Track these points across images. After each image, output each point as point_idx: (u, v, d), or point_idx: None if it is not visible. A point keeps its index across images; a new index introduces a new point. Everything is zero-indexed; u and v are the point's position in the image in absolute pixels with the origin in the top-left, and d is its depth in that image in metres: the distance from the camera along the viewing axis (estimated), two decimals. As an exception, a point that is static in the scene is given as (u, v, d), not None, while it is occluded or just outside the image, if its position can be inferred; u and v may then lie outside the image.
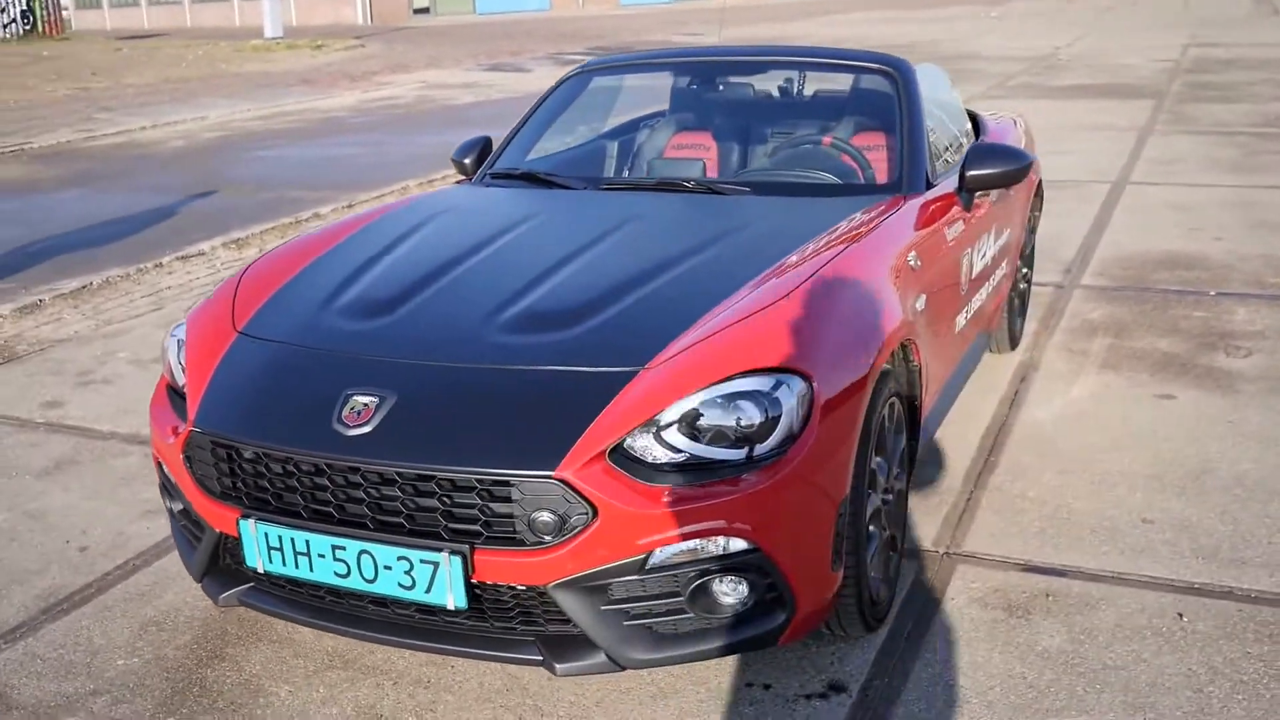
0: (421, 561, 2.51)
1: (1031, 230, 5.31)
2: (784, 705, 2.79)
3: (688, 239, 3.28)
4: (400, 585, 2.55)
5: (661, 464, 2.53)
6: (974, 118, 5.00)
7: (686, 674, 2.90)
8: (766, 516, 2.54)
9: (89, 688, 2.90)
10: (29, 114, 15.37)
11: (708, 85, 4.45)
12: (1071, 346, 5.30)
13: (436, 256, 3.29)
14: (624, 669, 2.58)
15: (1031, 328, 5.55)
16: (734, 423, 2.56)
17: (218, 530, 2.79)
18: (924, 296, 3.35)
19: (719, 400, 2.56)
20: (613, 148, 4.40)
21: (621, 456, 2.52)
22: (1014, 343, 5.14)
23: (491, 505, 2.49)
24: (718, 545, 2.52)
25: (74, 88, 18.33)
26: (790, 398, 2.60)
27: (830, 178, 3.88)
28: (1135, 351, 5.19)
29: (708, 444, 2.55)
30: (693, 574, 2.53)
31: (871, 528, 2.99)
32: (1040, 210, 5.51)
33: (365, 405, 2.63)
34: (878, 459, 3.01)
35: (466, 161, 4.37)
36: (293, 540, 2.62)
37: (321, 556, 2.60)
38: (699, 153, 4.22)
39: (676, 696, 2.83)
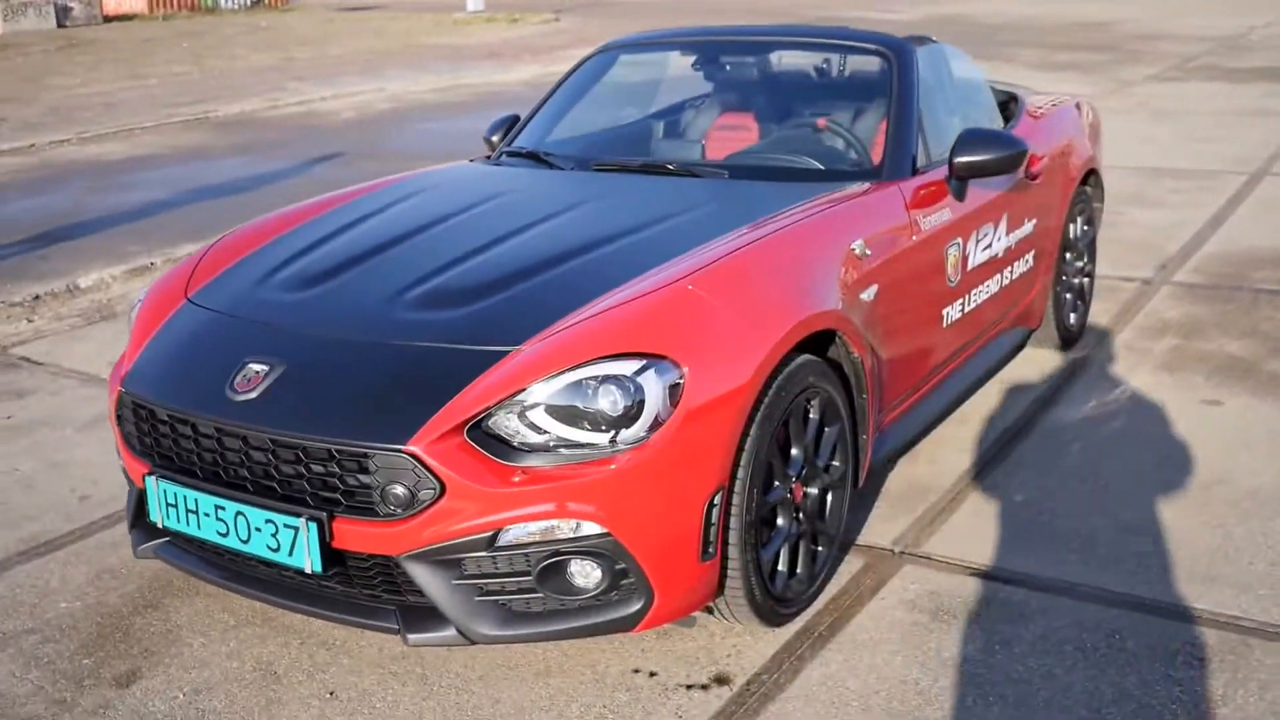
0: (285, 525, 2.60)
1: (1088, 221, 4.99)
2: (660, 694, 2.75)
3: (631, 220, 3.25)
4: (269, 547, 2.65)
5: (525, 444, 2.54)
6: (1015, 101, 4.73)
7: (577, 654, 2.90)
8: (621, 502, 2.52)
9: (26, 626, 3.11)
10: (226, 83, 16.25)
11: (712, 66, 4.36)
12: (1134, 345, 4.97)
13: (389, 232, 3.35)
14: (474, 643, 2.60)
15: (1100, 323, 5.24)
16: (600, 405, 2.54)
17: (138, 485, 2.96)
18: (875, 287, 3.22)
19: (584, 383, 2.55)
20: (624, 127, 4.37)
21: (483, 434, 2.54)
22: (1065, 338, 4.86)
23: (352, 476, 2.56)
24: (569, 527, 2.52)
25: (278, 58, 19.30)
26: (656, 384, 2.56)
27: (811, 162, 3.75)
28: (1200, 353, 4.83)
29: (575, 426, 2.55)
30: (543, 554, 2.53)
31: (780, 521, 2.92)
32: (1101, 201, 5.18)
33: (256, 373, 2.73)
34: (794, 451, 2.93)
35: (494, 139, 4.44)
36: (184, 498, 2.76)
37: (206, 515, 2.73)
38: (695, 134, 4.16)
39: (560, 676, 2.83)
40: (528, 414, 2.55)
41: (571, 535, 2.52)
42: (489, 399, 2.53)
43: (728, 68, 4.32)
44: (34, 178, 9.74)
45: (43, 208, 8.39)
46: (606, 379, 2.55)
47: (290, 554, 2.62)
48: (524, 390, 2.54)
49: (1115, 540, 3.37)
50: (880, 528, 3.50)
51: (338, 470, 2.56)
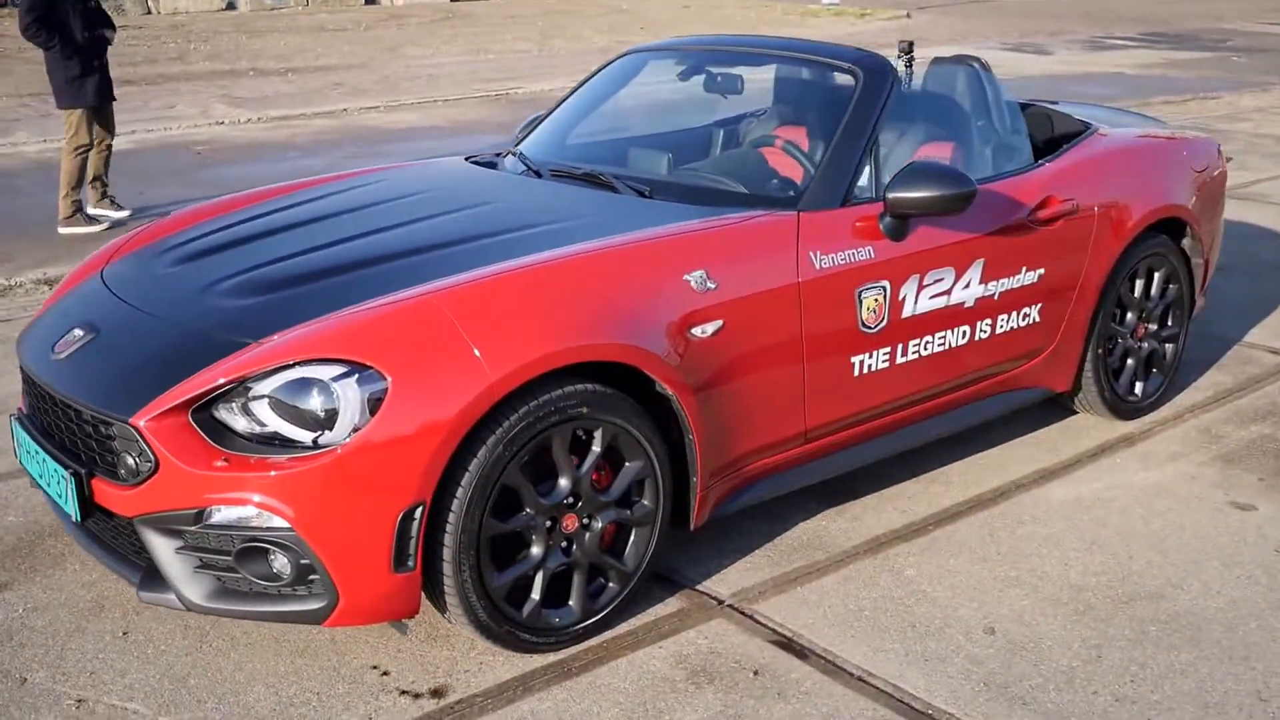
0: (60, 476, 2.89)
1: (1170, 279, 4.39)
2: (374, 692, 2.82)
3: (493, 227, 3.30)
4: (58, 492, 2.95)
5: (243, 432, 2.69)
6: (1083, 133, 4.25)
7: (345, 640, 3.01)
8: (306, 501, 2.61)
9: (-33, 533, 3.62)
10: (551, 62, 17.04)
11: (704, 78, 4.21)
12: (1212, 427, 4.35)
13: (290, 219, 3.56)
14: (189, 609, 2.78)
15: (1196, 398, 4.62)
16: (310, 406, 2.65)
17: None
18: (718, 323, 3.08)
19: (292, 383, 2.67)
20: (612, 135, 4.33)
21: (209, 418, 2.71)
22: (1117, 408, 4.33)
23: (104, 440, 2.81)
24: (261, 518, 2.64)
25: (614, 40, 20.02)
26: (355, 392, 2.63)
27: (734, 184, 3.60)
28: (1280, 449, 4.16)
29: (292, 423, 2.67)
30: (240, 539, 2.67)
31: (534, 549, 2.89)
32: (1201, 257, 4.52)
33: (75, 337, 3.04)
34: (561, 481, 2.89)
35: (521, 136, 4.55)
36: (23, 440, 3.12)
37: (30, 457, 3.08)
38: (666, 147, 4.05)
39: (309, 657, 2.96)
40: (251, 405, 2.69)
41: (263, 525, 2.64)
42: (206, 385, 2.69)
43: (719, 80, 4.19)
44: (322, 140, 10.81)
45: (302, 169, 9.29)
46: (311, 381, 2.65)
47: (65, 501, 2.90)
48: (242, 382, 2.68)
49: (964, 638, 3.04)
50: (736, 576, 3.35)
51: (94, 433, 2.82)
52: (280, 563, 2.69)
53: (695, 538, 3.49)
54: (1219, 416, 4.47)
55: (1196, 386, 4.76)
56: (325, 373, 2.65)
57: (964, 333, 3.72)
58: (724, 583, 3.32)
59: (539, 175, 3.88)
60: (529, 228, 3.28)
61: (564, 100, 4.46)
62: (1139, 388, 4.43)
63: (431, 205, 3.55)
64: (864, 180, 3.53)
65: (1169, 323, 4.51)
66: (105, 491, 2.82)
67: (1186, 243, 4.48)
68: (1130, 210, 4.16)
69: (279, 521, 2.63)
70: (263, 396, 2.69)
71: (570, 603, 2.98)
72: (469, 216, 3.43)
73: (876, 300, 3.43)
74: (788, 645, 3.02)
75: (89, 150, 7.34)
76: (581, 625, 3.00)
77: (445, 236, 3.24)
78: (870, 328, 3.44)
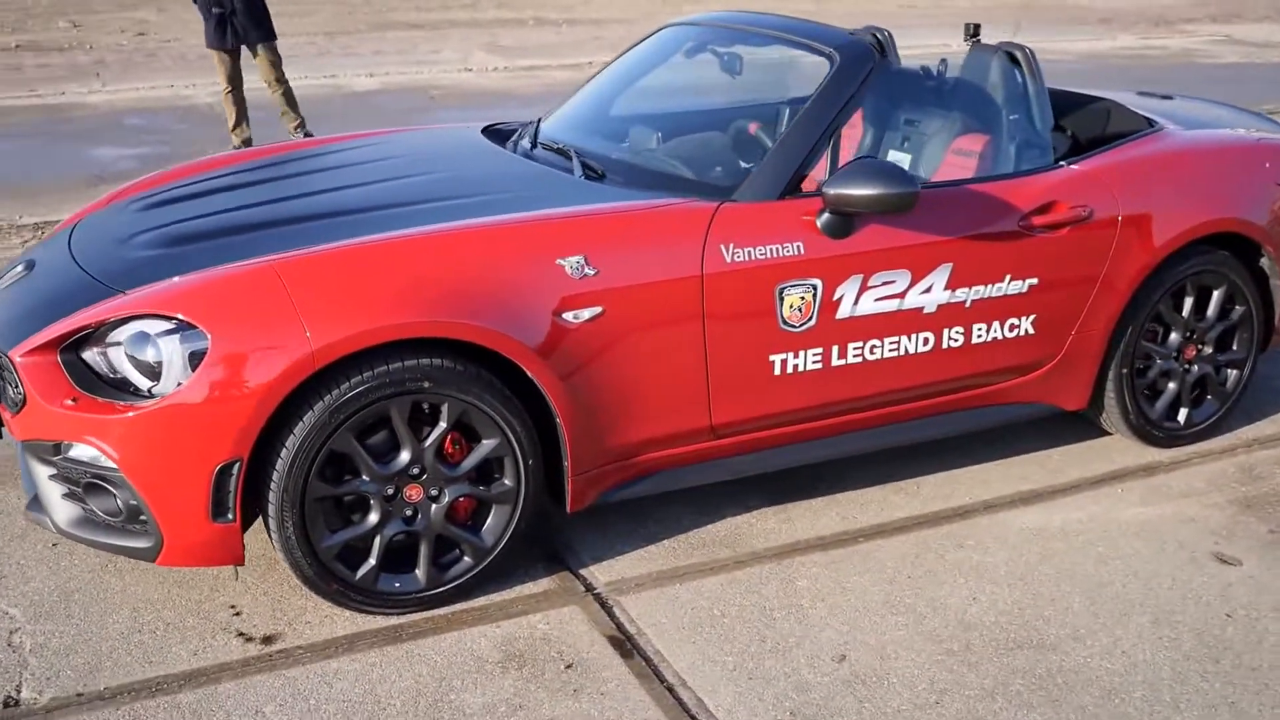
0: (-19, 398, 3.20)
1: (1229, 299, 3.87)
2: (214, 631, 2.98)
3: (413, 197, 3.36)
4: (-16, 416, 3.26)
5: (102, 375, 2.89)
6: (1142, 129, 3.83)
7: (219, 579, 3.19)
8: (130, 447, 2.78)
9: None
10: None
11: (718, 58, 4.03)
12: (1257, 468, 3.87)
13: (251, 178, 3.71)
14: (59, 534, 3.01)
15: (1265, 431, 4.12)
16: (145, 356, 2.82)
17: None
18: (597, 310, 3.02)
19: (136, 334, 2.83)
20: (627, 114, 4.22)
21: (75, 359, 2.90)
22: (1144, 433, 3.91)
23: (2, 369, 3.07)
24: (99, 457, 2.83)
25: (890, 3, 19.45)
26: (177, 348, 2.77)
27: (682, 169, 3.46)
28: (1320, 499, 3.64)
29: (139, 371, 2.85)
30: (86, 474, 2.87)
31: (372, 516, 2.96)
32: (1280, 273, 3.96)
33: (14, 273, 3.33)
34: (403, 453, 2.93)
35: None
36: (-21, 368, 3.46)
37: (-18, 383, 3.41)
38: (654, 127, 3.91)
39: (186, 589, 3.15)
40: (108, 351, 2.88)
41: (99, 464, 2.84)
42: (70, 328, 2.88)
43: (725, 58, 4.01)
44: (548, 93, 10.94)
45: (508, 119, 9.56)
46: (145, 334, 2.82)
47: (-13, 419, 3.21)
48: (96, 329, 2.87)
49: (806, 661, 2.88)
50: (625, 564, 3.30)
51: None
52: (113, 500, 2.88)
53: (610, 520, 3.48)
54: (1277, 455, 3.94)
55: (1275, 419, 4.22)
56: (156, 327, 2.80)
57: (925, 340, 3.45)
58: (609, 570, 3.27)
59: (531, 148, 3.87)
60: (447, 199, 3.30)
61: (596, 74, 4.41)
62: (1183, 414, 3.97)
63: (383, 171, 3.65)
64: (824, 171, 3.34)
65: (1234, 346, 4.00)
66: (4, 416, 3.09)
67: (1264, 263, 3.95)
68: (1170, 220, 3.71)
69: (109, 462, 2.81)
70: (117, 344, 2.86)
71: (416, 571, 3.03)
72: (404, 185, 3.50)
73: (802, 298, 3.24)
74: (621, 643, 2.95)
75: (232, 90, 8.00)
76: (428, 594, 3.05)
77: (362, 203, 3.33)
78: (794, 326, 3.26)
